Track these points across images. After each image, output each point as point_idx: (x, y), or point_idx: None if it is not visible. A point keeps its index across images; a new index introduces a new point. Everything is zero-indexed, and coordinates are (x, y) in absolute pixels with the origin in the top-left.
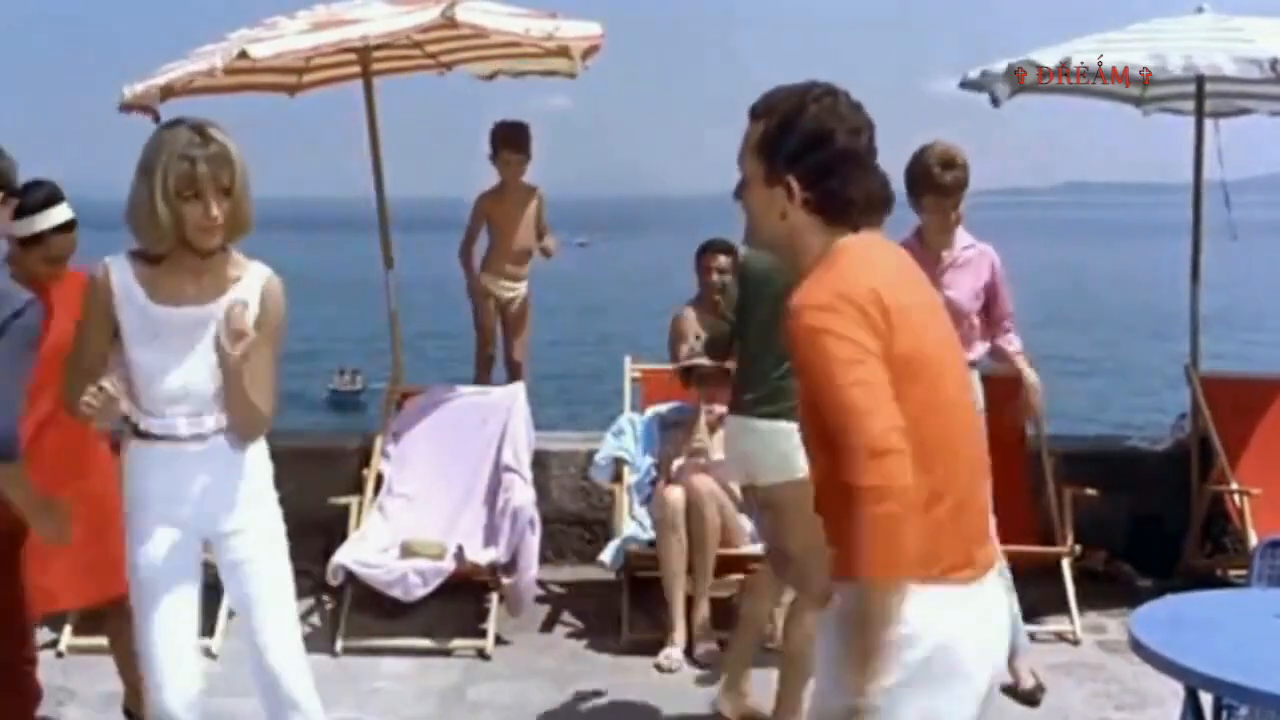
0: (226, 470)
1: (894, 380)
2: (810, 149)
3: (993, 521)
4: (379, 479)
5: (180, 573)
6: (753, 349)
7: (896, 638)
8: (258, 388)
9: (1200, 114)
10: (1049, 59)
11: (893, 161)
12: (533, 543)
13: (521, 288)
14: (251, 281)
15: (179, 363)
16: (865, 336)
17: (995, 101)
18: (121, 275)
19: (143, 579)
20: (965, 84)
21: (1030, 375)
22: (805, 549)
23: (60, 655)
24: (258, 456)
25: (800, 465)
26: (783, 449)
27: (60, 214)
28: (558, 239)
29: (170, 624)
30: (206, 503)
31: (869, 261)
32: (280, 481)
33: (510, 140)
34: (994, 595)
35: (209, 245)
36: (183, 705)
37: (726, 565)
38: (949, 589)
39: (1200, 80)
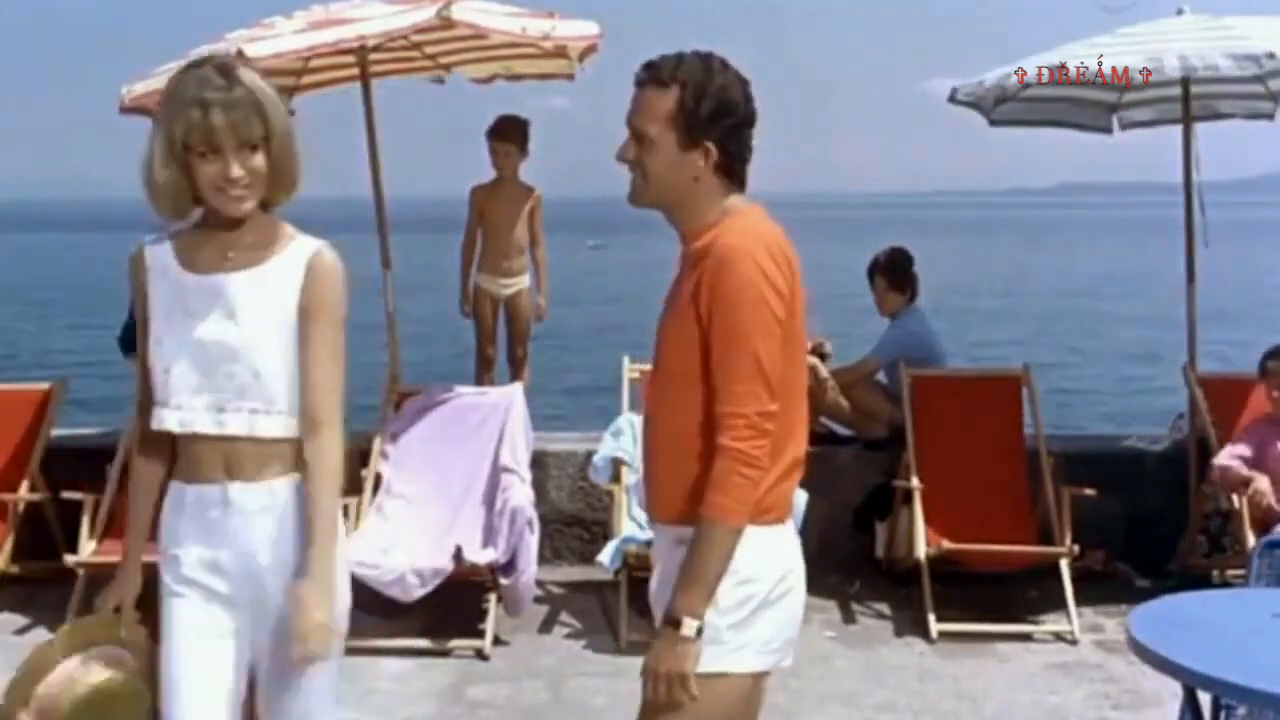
0: None
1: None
2: (723, 115)
3: None
4: (377, 479)
5: None
6: None
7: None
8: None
9: (1188, 117)
10: (1046, 63)
11: (894, 160)
12: (531, 543)
13: (519, 282)
14: (293, 255)
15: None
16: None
17: (990, 119)
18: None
19: None
20: (955, 100)
21: None
22: None
23: None
24: None
25: None
26: None
27: None
28: (547, 259)
29: None
30: None
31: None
32: None
33: (499, 131)
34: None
35: (234, 211)
36: None
37: None
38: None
39: (1186, 83)
